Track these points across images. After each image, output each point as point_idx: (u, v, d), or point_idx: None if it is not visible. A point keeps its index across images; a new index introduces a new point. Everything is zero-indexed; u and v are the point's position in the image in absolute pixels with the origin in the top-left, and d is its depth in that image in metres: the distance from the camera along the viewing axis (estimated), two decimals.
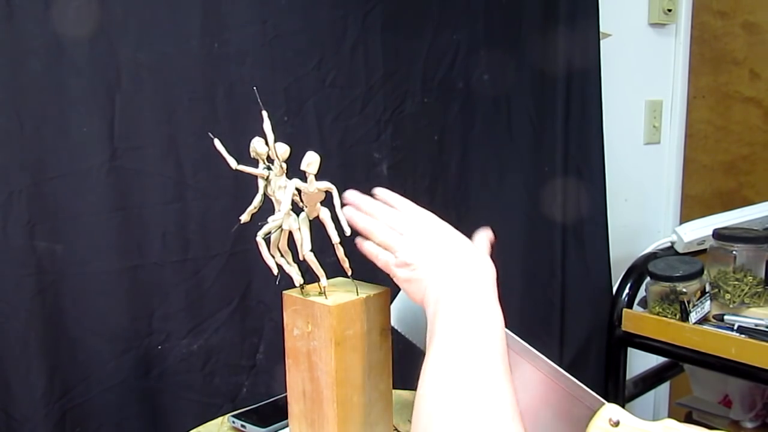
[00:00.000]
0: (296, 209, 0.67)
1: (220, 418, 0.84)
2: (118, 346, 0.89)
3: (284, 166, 0.66)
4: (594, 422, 0.59)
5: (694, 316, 1.22)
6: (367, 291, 0.70)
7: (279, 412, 0.79)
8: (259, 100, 0.66)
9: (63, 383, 0.85)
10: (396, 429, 0.76)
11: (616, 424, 0.58)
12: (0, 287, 0.80)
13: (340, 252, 0.68)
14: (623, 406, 0.59)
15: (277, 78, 0.97)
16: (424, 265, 0.61)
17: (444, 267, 0.60)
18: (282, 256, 0.70)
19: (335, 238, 0.67)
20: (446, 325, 0.55)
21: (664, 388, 1.83)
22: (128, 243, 0.88)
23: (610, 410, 0.59)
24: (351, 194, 0.69)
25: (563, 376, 0.63)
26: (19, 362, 0.82)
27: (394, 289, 0.71)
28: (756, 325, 1.17)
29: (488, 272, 0.61)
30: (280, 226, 0.67)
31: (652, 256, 1.39)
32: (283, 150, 0.65)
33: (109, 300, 0.87)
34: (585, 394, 0.61)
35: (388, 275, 0.66)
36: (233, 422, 0.80)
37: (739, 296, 1.23)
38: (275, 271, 0.69)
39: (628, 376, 1.47)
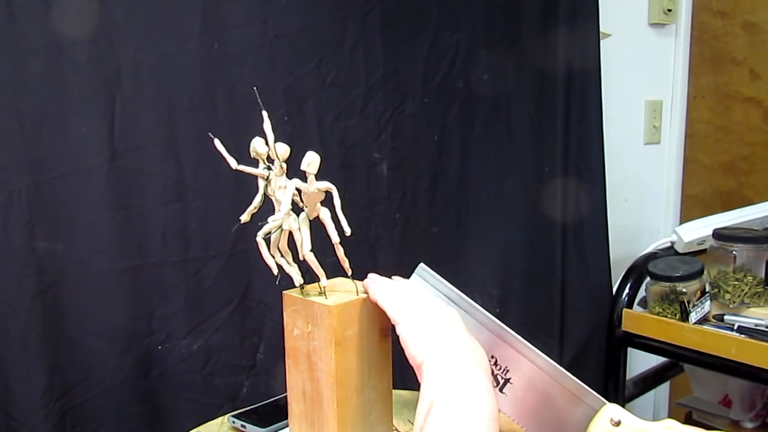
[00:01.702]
0: (296, 209, 0.67)
1: (220, 418, 0.84)
2: (118, 346, 0.89)
3: (284, 166, 0.66)
4: (595, 422, 0.59)
5: (694, 316, 1.22)
6: None
7: (279, 412, 0.79)
8: (259, 100, 0.66)
9: (63, 383, 0.85)
10: (396, 429, 0.76)
11: (618, 423, 0.58)
12: (0, 287, 0.80)
13: (340, 252, 0.67)
14: (623, 406, 0.59)
15: (277, 78, 0.97)
16: (423, 349, 0.60)
17: (443, 355, 0.59)
18: (282, 256, 0.70)
19: (335, 238, 0.67)
20: (441, 410, 0.54)
21: (664, 388, 1.83)
22: (128, 243, 0.88)
23: (612, 410, 0.59)
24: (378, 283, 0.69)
25: (564, 375, 0.63)
26: (19, 362, 0.82)
27: None
28: (756, 325, 1.17)
29: (484, 361, 0.60)
30: (280, 226, 0.67)
31: (652, 256, 1.39)
32: (283, 150, 0.65)
33: (109, 300, 0.87)
34: (586, 393, 0.61)
35: (387, 274, 0.66)
36: (233, 422, 0.80)
37: (739, 296, 1.23)
38: (275, 271, 0.69)
39: (628, 376, 1.47)
